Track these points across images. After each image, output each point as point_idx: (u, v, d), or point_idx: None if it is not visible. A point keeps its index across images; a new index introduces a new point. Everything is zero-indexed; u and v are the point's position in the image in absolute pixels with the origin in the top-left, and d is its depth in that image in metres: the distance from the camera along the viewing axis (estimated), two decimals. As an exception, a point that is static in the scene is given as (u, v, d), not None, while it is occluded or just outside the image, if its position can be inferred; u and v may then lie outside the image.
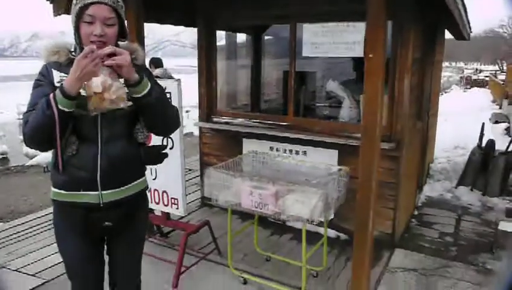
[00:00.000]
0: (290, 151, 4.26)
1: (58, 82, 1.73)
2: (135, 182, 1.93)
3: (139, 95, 1.74)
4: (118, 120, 1.80)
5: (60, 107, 1.60)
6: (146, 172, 2.03)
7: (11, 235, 4.46)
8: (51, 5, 3.33)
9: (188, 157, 7.24)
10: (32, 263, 3.75)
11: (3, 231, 4.62)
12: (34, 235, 4.43)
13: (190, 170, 6.49)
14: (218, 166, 3.15)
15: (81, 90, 1.63)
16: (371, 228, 2.80)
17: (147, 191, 2.06)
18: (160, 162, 2.05)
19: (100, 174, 1.78)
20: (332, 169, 3.19)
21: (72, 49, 1.82)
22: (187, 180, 5.16)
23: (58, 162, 1.75)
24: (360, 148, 2.74)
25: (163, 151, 2.04)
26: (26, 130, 1.67)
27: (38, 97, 1.69)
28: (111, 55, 1.63)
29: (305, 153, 4.18)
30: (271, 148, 4.33)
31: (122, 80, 1.71)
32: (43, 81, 1.76)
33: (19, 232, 4.54)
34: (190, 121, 11.65)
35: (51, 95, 1.61)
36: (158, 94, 1.81)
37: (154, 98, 1.77)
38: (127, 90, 1.71)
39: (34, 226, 4.67)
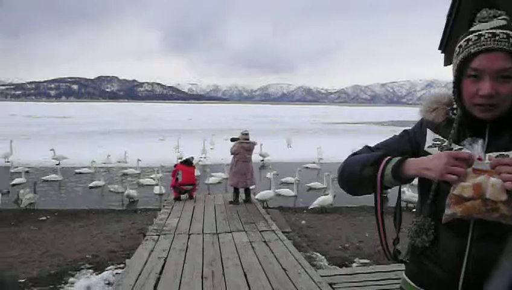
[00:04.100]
0: None
1: (429, 146, 1.36)
2: None
3: None
4: None
5: (384, 181, 1.27)
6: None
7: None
8: (442, 54, 3.04)
9: None
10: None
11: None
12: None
13: None
14: None
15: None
16: None
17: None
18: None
19: (463, 280, 1.27)
20: None
21: (454, 106, 1.38)
22: None
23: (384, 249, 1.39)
24: None
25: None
26: (342, 165, 1.44)
27: (383, 144, 1.43)
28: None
29: None
30: None
31: None
32: (406, 135, 1.45)
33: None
34: None
35: (384, 161, 1.27)
36: None
37: None
38: None
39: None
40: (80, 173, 15.91)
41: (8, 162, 17.39)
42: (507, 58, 1.18)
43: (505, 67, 1.17)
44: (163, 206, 9.40)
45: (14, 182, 13.53)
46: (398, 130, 1.55)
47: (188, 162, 10.19)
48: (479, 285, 1.21)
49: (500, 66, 1.17)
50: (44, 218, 9.48)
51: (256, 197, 10.33)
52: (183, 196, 9.81)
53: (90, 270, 5.92)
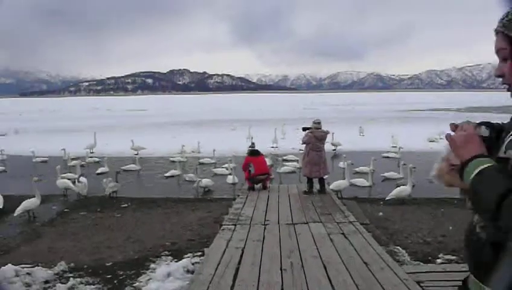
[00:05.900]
0: None
1: None
2: None
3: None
4: None
5: None
6: None
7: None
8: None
9: None
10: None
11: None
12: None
13: None
14: None
15: None
16: None
17: None
18: None
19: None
20: None
21: None
22: None
23: None
24: None
25: None
26: None
27: None
28: None
29: None
30: None
31: None
32: None
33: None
34: None
35: None
36: None
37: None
38: None
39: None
40: (173, 161, 16.38)
41: (92, 152, 18.54)
42: (502, 39, 1.17)
43: (500, 47, 1.18)
44: (238, 195, 9.48)
45: (98, 171, 14.49)
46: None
47: (254, 153, 10.13)
48: None
49: (497, 46, 1.19)
50: (125, 205, 9.97)
51: (330, 187, 10.08)
52: (256, 186, 9.80)
53: (170, 257, 6.09)
